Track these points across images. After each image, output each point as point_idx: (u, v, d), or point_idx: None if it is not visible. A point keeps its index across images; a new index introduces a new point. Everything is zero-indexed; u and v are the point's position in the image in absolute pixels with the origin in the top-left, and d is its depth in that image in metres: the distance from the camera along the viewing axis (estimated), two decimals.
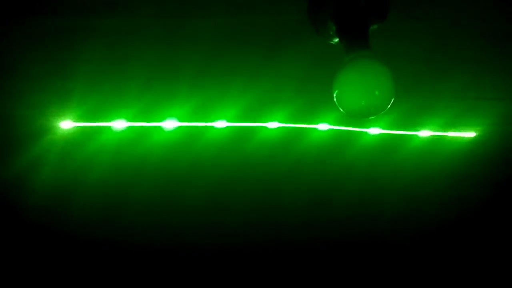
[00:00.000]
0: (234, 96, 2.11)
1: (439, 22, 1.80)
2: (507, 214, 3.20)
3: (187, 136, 2.42)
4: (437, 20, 1.78)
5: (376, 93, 1.47)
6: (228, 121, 2.28)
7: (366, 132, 2.39)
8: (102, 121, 2.29)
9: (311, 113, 2.28)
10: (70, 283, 3.54)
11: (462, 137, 2.41)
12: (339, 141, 2.47)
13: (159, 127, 2.34)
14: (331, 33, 1.58)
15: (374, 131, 2.37)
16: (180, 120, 2.29)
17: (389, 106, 1.49)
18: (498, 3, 1.73)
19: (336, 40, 1.59)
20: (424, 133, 2.40)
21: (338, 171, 2.72)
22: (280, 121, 2.30)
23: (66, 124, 2.31)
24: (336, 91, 1.49)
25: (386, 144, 2.49)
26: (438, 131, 2.37)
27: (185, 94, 2.09)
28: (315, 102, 2.21)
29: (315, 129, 2.38)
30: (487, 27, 1.84)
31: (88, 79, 2.03)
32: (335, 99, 1.51)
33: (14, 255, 3.29)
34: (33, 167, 2.65)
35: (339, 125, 2.34)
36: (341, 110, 1.53)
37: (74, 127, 2.33)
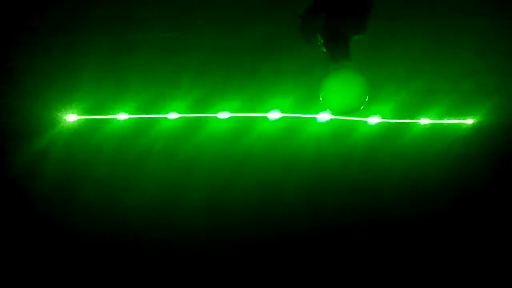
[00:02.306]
0: (234, 90, 2.19)
1: (436, 18, 1.89)
2: (504, 199, 3.28)
3: (189, 127, 2.47)
4: (435, 16, 1.88)
5: (352, 96, 1.79)
6: (231, 111, 2.35)
7: (365, 122, 2.47)
8: (106, 114, 2.35)
9: (312, 103, 2.37)
10: (75, 274, 3.66)
11: (460, 123, 2.50)
12: (338, 131, 2.55)
13: (163, 118, 2.39)
14: (319, 44, 1.89)
15: (374, 120, 2.44)
16: (182, 112, 2.34)
17: (363, 106, 1.80)
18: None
19: (324, 49, 1.88)
20: (424, 121, 2.48)
21: (338, 159, 2.79)
22: (282, 111, 2.38)
23: (72, 118, 2.37)
24: (322, 94, 1.80)
25: (387, 132, 2.56)
26: (437, 119, 2.46)
27: (188, 87, 2.14)
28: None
29: (315, 118, 2.49)
30: (481, 22, 1.92)
31: (92, 75, 2.08)
32: (321, 100, 1.82)
33: (20, 244, 3.29)
34: (40, 159, 2.71)
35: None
36: (326, 109, 1.94)
37: (79, 120, 2.40)
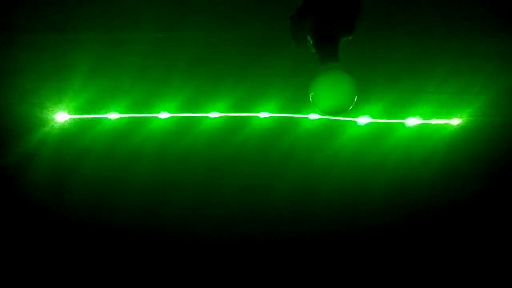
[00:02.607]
0: (226, 90, 2.22)
1: (422, 24, 1.96)
2: (491, 199, 3.31)
3: (180, 126, 2.48)
4: (421, 19, 1.93)
5: (341, 97, 1.83)
6: (221, 111, 2.36)
7: (355, 122, 2.51)
8: (96, 113, 2.35)
9: (303, 103, 2.41)
10: (67, 264, 3.61)
11: (447, 124, 2.53)
12: (328, 130, 2.57)
13: (153, 117, 2.39)
14: (309, 45, 1.92)
15: (363, 120, 2.47)
16: (173, 112, 2.36)
17: (351, 106, 1.83)
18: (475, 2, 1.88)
19: (313, 50, 1.92)
20: (412, 121, 2.52)
21: (327, 159, 2.81)
22: (271, 111, 2.40)
23: (61, 117, 2.37)
24: (311, 94, 1.83)
25: (375, 132, 2.59)
26: (425, 119, 2.50)
27: (178, 87, 2.17)
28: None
29: (306, 118, 2.52)
30: (466, 25, 1.98)
31: (83, 74, 2.10)
32: (311, 100, 1.85)
33: (13, 241, 3.34)
34: (31, 158, 2.71)
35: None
36: (316, 109, 1.88)
37: (70, 119, 2.39)
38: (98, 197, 3.10)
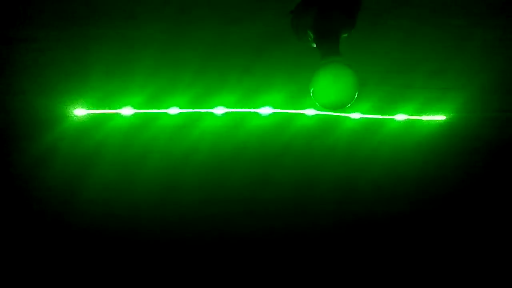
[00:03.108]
0: (230, 86, 2.38)
1: (407, 21, 2.08)
2: (479, 195, 3.49)
3: (188, 122, 2.64)
4: (406, 19, 2.06)
5: (343, 91, 1.84)
6: (227, 107, 2.53)
7: (348, 117, 2.65)
8: (113, 108, 2.50)
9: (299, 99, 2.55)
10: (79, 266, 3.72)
11: (433, 120, 2.68)
12: (324, 126, 2.72)
13: (164, 113, 2.56)
14: (309, 39, 1.95)
15: (356, 115, 2.63)
16: (181, 107, 2.51)
17: (353, 101, 1.86)
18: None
19: (314, 45, 1.95)
20: (400, 117, 2.66)
21: (323, 154, 2.98)
22: (273, 107, 2.55)
23: (80, 112, 2.52)
24: (312, 88, 1.86)
25: (366, 127, 2.74)
26: (412, 115, 2.65)
27: (187, 84, 2.33)
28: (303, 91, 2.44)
29: (303, 114, 2.65)
30: (451, 22, 2.10)
31: (101, 68, 2.24)
32: (311, 95, 1.87)
33: (29, 233, 3.46)
34: (50, 152, 2.85)
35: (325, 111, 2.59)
36: (316, 103, 1.91)
37: (88, 114, 2.54)
38: (115, 192, 3.21)
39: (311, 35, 1.92)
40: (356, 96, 1.85)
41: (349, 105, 1.89)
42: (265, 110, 2.58)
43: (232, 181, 3.22)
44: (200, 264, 3.81)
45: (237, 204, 3.40)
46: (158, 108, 2.54)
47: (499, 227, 3.67)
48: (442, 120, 2.67)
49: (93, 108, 2.52)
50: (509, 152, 3.11)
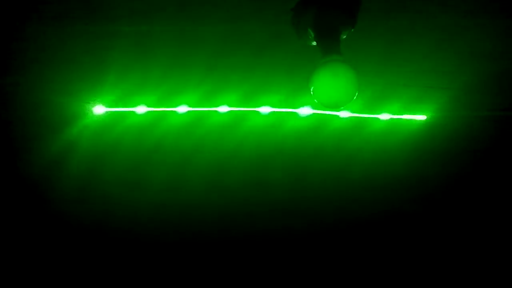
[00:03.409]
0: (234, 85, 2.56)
1: (393, 21, 2.21)
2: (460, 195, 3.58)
3: (195, 120, 2.81)
4: (392, 19, 2.19)
5: (343, 90, 1.87)
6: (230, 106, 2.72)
7: (337, 116, 2.78)
8: (131, 106, 2.67)
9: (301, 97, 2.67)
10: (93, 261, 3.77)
11: (415, 119, 2.84)
12: (314, 124, 2.85)
13: (173, 111, 2.74)
14: (310, 38, 1.99)
15: (345, 114, 2.78)
16: (190, 106, 2.70)
17: (353, 99, 1.89)
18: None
19: (314, 43, 2.00)
20: (384, 116, 2.81)
21: (314, 152, 3.10)
22: (271, 106, 2.72)
23: (99, 109, 2.69)
24: (312, 87, 1.89)
25: (354, 126, 2.87)
26: (395, 114, 2.80)
27: (196, 83, 2.52)
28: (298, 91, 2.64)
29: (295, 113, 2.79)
30: (436, 21, 2.24)
31: (119, 67, 2.40)
32: (312, 93, 1.91)
33: (46, 230, 3.53)
34: (68, 151, 2.97)
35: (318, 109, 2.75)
36: (316, 102, 1.94)
37: (107, 112, 2.70)
38: (137, 193, 3.32)
39: (312, 33, 1.95)
40: (355, 95, 1.88)
41: (348, 104, 1.91)
42: (265, 109, 2.75)
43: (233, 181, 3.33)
44: (211, 264, 3.89)
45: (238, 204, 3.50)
46: (169, 107, 2.71)
47: (482, 226, 3.78)
48: (423, 119, 2.84)
49: (111, 106, 2.68)
50: (493, 152, 3.21)
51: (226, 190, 3.36)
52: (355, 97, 1.89)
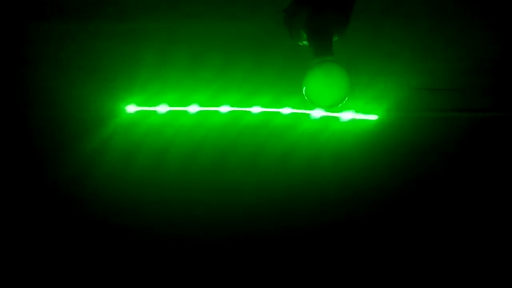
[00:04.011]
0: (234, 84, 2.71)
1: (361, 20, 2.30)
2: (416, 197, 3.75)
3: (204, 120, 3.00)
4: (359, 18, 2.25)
5: (335, 90, 1.92)
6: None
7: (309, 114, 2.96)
8: (157, 105, 2.84)
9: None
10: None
11: (366, 119, 3.02)
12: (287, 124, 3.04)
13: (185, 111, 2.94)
14: (302, 38, 2.05)
15: (317, 113, 2.95)
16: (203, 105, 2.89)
17: (345, 100, 1.95)
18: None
19: (306, 43, 2.06)
20: (340, 115, 2.99)
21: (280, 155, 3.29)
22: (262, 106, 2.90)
23: (132, 108, 2.87)
24: (305, 87, 1.94)
25: (325, 126, 3.04)
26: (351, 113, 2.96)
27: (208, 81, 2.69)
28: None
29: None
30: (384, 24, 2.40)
31: (151, 65, 2.54)
32: (304, 94, 1.96)
33: (78, 228, 3.67)
34: (102, 150, 3.17)
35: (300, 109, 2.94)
36: (309, 102, 2.00)
37: (140, 111, 2.87)
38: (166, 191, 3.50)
39: (304, 34, 2.01)
40: (347, 96, 1.93)
41: (341, 104, 1.96)
42: (256, 109, 2.96)
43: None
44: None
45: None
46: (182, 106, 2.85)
47: (436, 227, 3.93)
48: (375, 119, 3.01)
49: (142, 105, 2.85)
50: (445, 152, 3.38)
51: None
52: (347, 97, 1.94)
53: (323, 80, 1.92)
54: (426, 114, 3.07)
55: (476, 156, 3.45)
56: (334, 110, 2.88)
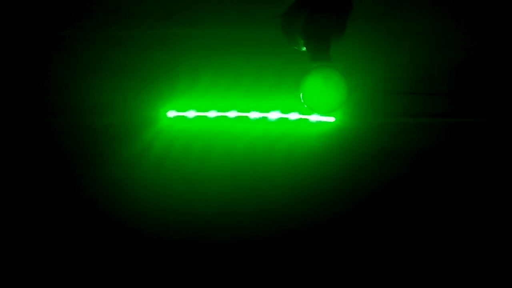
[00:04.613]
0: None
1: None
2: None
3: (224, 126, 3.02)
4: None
5: (332, 94, 1.91)
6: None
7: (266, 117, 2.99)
8: (201, 110, 2.90)
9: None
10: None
11: (324, 121, 3.00)
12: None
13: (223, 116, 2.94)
14: (299, 43, 2.10)
15: (274, 115, 3.00)
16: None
17: (341, 104, 1.91)
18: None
19: (304, 48, 2.14)
20: (293, 116, 2.97)
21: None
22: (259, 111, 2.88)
23: (172, 114, 2.97)
24: (302, 92, 1.96)
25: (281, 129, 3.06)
26: (305, 114, 2.94)
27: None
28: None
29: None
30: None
31: (191, 70, 2.70)
32: (301, 98, 1.98)
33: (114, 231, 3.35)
34: (142, 156, 3.14)
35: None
36: (306, 106, 1.96)
37: (180, 117, 2.95)
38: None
39: (301, 39, 1.99)
40: (344, 101, 1.79)
41: (338, 108, 1.79)
42: (254, 115, 3.03)
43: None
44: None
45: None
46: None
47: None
48: (332, 121, 3.01)
49: (181, 110, 2.95)
50: (403, 158, 3.38)
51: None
52: (343, 102, 1.84)
53: (319, 85, 1.91)
54: (382, 119, 3.17)
55: (441, 162, 3.48)
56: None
